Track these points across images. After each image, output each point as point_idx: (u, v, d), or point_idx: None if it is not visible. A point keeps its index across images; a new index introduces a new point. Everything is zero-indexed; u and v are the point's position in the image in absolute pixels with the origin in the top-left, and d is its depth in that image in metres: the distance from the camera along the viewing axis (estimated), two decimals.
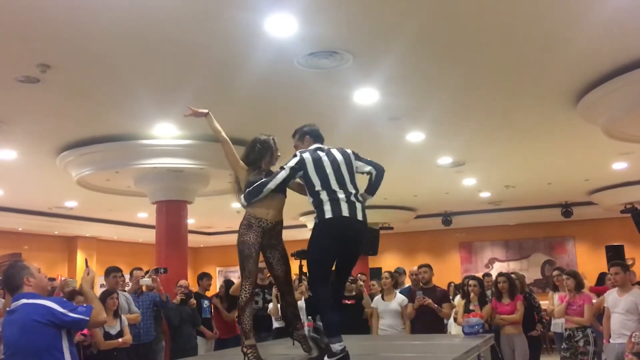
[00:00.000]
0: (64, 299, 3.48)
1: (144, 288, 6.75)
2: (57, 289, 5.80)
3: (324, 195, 3.46)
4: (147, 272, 6.93)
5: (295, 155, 3.60)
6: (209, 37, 4.97)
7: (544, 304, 7.75)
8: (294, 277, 6.31)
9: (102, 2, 4.31)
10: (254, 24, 4.69)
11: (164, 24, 4.69)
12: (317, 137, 3.77)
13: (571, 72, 6.08)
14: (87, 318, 3.19)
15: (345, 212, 3.42)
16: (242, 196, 3.63)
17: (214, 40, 5.02)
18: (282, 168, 3.55)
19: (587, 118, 7.16)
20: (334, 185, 3.49)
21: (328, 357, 3.28)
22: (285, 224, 3.76)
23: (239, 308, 3.60)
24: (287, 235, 3.81)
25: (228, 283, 7.78)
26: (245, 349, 3.48)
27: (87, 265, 3.63)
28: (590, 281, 7.97)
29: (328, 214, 3.41)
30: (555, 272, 7.63)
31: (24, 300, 3.18)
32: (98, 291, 7.26)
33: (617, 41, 5.36)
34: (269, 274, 6.83)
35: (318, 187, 3.48)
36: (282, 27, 4.75)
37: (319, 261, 3.45)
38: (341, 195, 3.46)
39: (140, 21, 4.61)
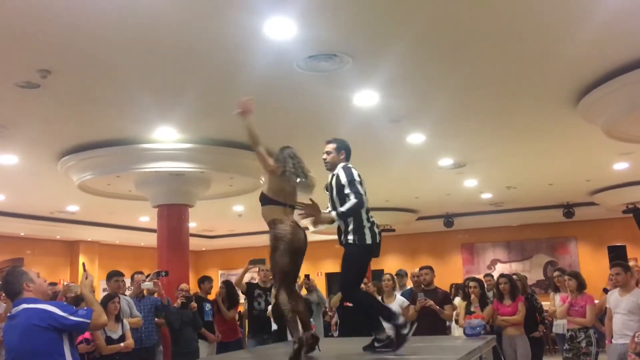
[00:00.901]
0: (65, 303, 3.50)
1: (145, 292, 6.75)
2: (60, 294, 5.81)
3: (364, 219, 3.72)
4: (148, 276, 6.93)
5: (349, 167, 3.81)
6: (209, 41, 4.98)
7: (546, 304, 7.73)
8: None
9: (102, 7, 4.32)
10: (254, 27, 4.71)
11: (164, 28, 4.70)
12: (349, 159, 3.97)
13: (571, 73, 6.08)
14: (88, 321, 3.20)
15: (378, 238, 3.77)
16: (344, 212, 3.68)
17: (214, 43, 5.03)
18: (351, 183, 3.69)
19: (587, 118, 7.16)
20: (368, 209, 3.78)
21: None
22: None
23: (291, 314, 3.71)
24: None
25: (228, 284, 7.79)
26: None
27: (84, 270, 3.66)
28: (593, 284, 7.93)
29: (369, 240, 3.70)
30: (556, 273, 7.62)
31: (25, 305, 3.19)
32: (100, 295, 7.26)
33: (617, 42, 5.37)
34: (270, 277, 6.90)
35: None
36: (281, 30, 4.76)
37: (358, 281, 3.85)
38: (372, 220, 3.79)
39: (140, 26, 4.62)
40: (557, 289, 7.42)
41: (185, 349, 6.68)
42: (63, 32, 4.66)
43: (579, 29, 5.02)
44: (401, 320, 3.70)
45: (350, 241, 3.70)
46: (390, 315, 3.75)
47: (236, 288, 7.64)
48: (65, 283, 8.90)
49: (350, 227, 3.70)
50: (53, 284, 7.62)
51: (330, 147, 3.91)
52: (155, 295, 6.72)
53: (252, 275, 8.65)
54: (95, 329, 3.40)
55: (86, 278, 3.50)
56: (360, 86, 6.13)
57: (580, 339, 6.11)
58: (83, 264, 4.38)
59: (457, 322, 6.83)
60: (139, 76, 5.68)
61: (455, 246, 17.03)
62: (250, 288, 7.14)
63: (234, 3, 4.39)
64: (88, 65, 5.36)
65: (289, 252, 3.64)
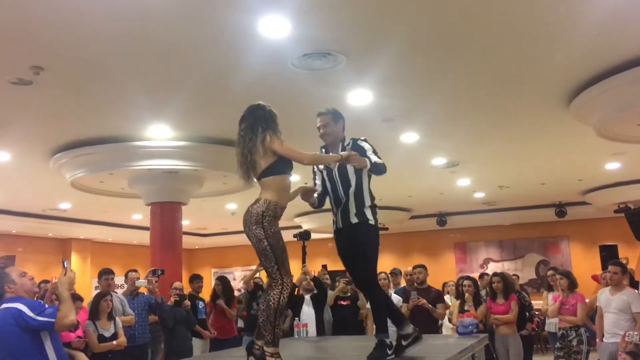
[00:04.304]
0: (39, 302, 3.44)
1: (144, 290, 6.74)
2: (49, 292, 5.78)
3: (374, 200, 3.50)
4: (154, 273, 6.90)
5: (364, 140, 3.52)
6: (203, 39, 4.97)
7: (538, 303, 7.77)
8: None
9: (95, 4, 4.30)
10: (248, 25, 4.70)
11: (157, 25, 4.69)
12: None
13: (564, 73, 6.11)
14: (53, 320, 3.16)
15: None
16: (377, 163, 3.37)
17: (208, 41, 5.02)
18: (376, 152, 3.45)
19: (579, 118, 7.20)
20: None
21: (404, 340, 3.37)
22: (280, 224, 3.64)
23: (276, 308, 3.05)
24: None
25: (223, 280, 7.77)
26: (270, 357, 3.06)
27: (64, 266, 3.50)
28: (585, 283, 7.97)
29: (377, 223, 3.48)
30: (550, 272, 7.66)
31: (4, 305, 3.21)
32: (92, 293, 7.22)
33: (609, 42, 5.40)
34: None
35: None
36: (275, 28, 4.76)
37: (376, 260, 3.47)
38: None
39: (133, 23, 4.61)
40: (550, 288, 7.45)
41: (178, 347, 6.68)
42: (56, 29, 4.64)
43: (571, 30, 5.05)
44: (410, 329, 3.44)
45: (373, 222, 3.43)
46: (401, 321, 3.47)
47: (231, 284, 7.61)
48: (55, 281, 8.86)
49: (368, 203, 3.42)
50: (46, 281, 7.58)
51: (326, 118, 3.55)
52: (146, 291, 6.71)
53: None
54: (62, 329, 3.27)
55: (65, 274, 3.39)
56: (354, 85, 6.14)
57: (572, 337, 6.15)
58: (63, 260, 4.17)
59: (450, 320, 6.85)
60: (132, 73, 5.66)
61: (448, 245, 17.06)
62: (255, 288, 7.17)
63: (228, 1, 4.38)
64: (81, 62, 5.33)
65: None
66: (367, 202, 3.45)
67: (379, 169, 3.43)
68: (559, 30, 5.09)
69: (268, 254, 3.04)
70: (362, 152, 3.44)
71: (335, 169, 3.48)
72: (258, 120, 3.27)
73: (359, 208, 3.42)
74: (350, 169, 3.43)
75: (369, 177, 3.51)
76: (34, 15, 4.42)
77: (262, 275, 7.23)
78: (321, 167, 3.56)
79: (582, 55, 5.66)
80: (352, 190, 3.45)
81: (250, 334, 6.89)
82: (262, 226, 3.04)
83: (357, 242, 3.42)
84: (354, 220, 3.43)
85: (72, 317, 3.26)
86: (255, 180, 3.21)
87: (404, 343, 3.42)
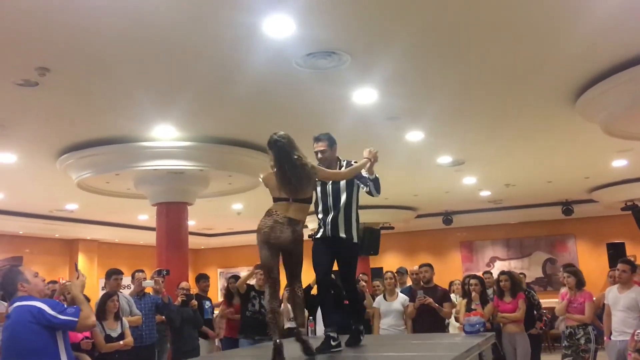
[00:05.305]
0: (56, 301, 3.52)
1: (150, 290, 6.76)
2: (57, 293, 5.80)
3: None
4: (159, 274, 6.91)
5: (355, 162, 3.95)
6: (208, 39, 4.98)
7: (545, 302, 7.74)
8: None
9: (100, 5, 4.31)
10: (252, 25, 4.70)
11: (163, 26, 4.70)
12: None
13: (569, 70, 6.08)
14: (76, 319, 3.23)
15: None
16: (378, 180, 3.95)
17: (213, 41, 5.02)
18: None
19: (586, 116, 7.16)
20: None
21: (334, 341, 3.80)
22: None
23: (299, 305, 3.59)
24: None
25: (237, 279, 7.77)
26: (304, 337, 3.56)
27: (76, 270, 3.70)
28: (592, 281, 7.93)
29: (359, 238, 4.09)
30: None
31: (17, 303, 3.24)
32: (99, 293, 7.25)
33: (614, 38, 5.37)
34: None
35: None
36: (280, 28, 4.76)
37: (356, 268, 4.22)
38: None
39: (138, 24, 4.62)
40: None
41: (185, 347, 6.70)
42: (62, 30, 4.66)
43: (577, 26, 5.03)
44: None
45: (356, 241, 3.98)
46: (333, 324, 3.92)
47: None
48: (62, 282, 8.90)
49: (355, 224, 3.93)
50: (54, 282, 7.62)
51: (323, 144, 3.98)
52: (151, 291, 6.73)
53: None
54: (83, 329, 3.46)
55: (77, 278, 3.54)
56: (359, 84, 6.13)
57: (579, 335, 6.12)
58: (75, 264, 4.42)
59: (457, 319, 6.84)
60: (138, 74, 5.67)
61: (454, 244, 17.02)
62: (247, 289, 7.17)
63: (233, 1, 4.38)
64: (87, 64, 5.35)
65: (265, 245, 3.42)
66: (354, 223, 3.96)
67: (378, 184, 3.96)
68: (564, 26, 5.06)
69: (300, 261, 3.56)
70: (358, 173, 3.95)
71: (330, 184, 3.95)
72: (287, 151, 3.47)
73: (347, 226, 3.92)
74: (342, 186, 3.93)
75: (358, 197, 4.01)
76: (39, 16, 4.43)
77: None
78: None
79: (588, 52, 5.63)
80: (342, 204, 3.92)
81: (246, 335, 6.90)
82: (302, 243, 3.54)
83: (345, 251, 3.98)
84: (342, 235, 3.92)
85: (94, 318, 3.42)
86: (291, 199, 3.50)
87: (333, 343, 3.83)
